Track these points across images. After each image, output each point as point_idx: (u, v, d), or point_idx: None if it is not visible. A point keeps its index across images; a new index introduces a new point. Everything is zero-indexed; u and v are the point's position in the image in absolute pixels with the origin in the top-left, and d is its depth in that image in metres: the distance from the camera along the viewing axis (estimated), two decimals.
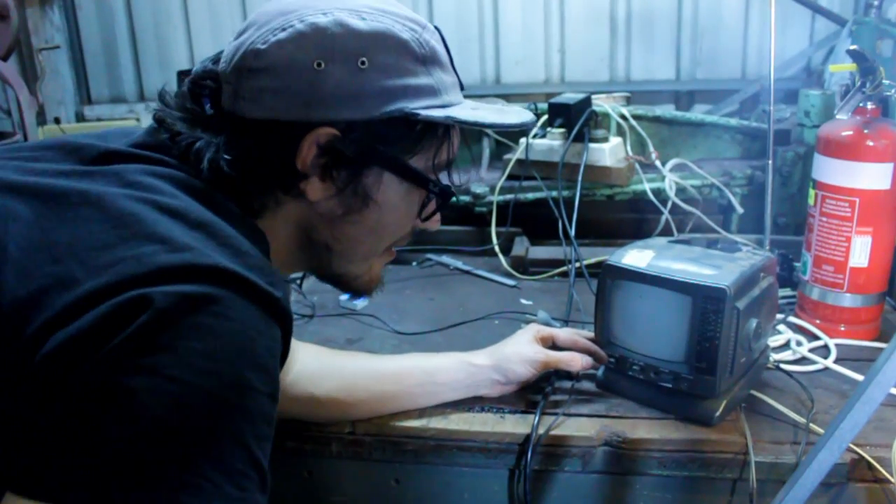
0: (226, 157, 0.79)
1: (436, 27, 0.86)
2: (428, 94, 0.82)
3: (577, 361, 1.16)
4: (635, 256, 1.14)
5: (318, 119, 0.79)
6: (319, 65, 0.78)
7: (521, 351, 1.17)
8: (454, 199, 0.90)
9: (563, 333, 1.21)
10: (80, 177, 0.75)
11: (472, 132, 2.03)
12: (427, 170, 0.87)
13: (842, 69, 1.46)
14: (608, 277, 1.15)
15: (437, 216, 0.93)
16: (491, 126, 0.87)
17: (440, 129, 0.86)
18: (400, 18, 0.82)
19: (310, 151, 0.80)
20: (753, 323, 1.07)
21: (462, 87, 0.90)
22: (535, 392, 1.19)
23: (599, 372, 1.21)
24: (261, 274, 0.71)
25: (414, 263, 1.81)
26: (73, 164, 0.78)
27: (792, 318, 1.41)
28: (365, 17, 0.80)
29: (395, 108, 0.80)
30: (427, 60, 0.83)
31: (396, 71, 0.80)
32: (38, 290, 0.65)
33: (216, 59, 0.85)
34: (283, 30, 0.78)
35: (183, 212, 0.72)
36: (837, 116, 1.31)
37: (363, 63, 0.78)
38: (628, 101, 2.05)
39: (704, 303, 1.05)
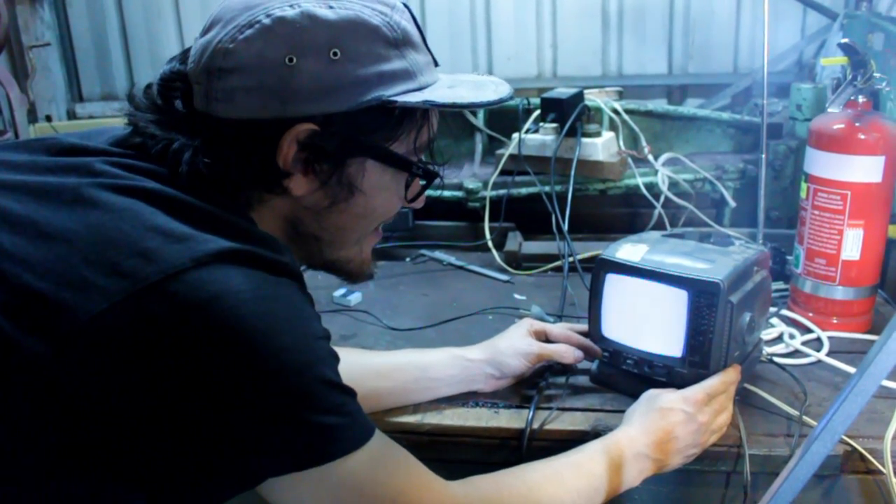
0: (205, 160, 0.78)
1: (405, 5, 0.85)
2: (403, 79, 0.82)
3: (569, 353, 1.17)
4: (629, 250, 1.14)
5: (295, 115, 0.78)
6: (291, 60, 0.76)
7: (515, 345, 1.17)
8: (439, 180, 0.91)
9: (557, 328, 1.22)
10: (66, 173, 0.76)
11: (464, 128, 2.03)
12: (409, 153, 0.87)
13: (833, 63, 1.47)
14: (602, 271, 1.15)
15: (423, 195, 0.93)
16: (468, 106, 0.86)
17: (418, 113, 0.85)
18: (368, 2, 0.81)
19: (290, 149, 0.79)
20: (747, 317, 1.07)
21: (436, 64, 0.89)
22: (529, 387, 1.19)
23: (594, 366, 1.21)
24: (262, 245, 0.75)
25: (407, 259, 1.81)
26: (54, 160, 0.79)
27: (784, 312, 1.42)
28: (332, 6, 0.78)
29: (372, 96, 0.79)
30: (399, 43, 0.81)
31: (370, 58, 0.79)
32: (45, 289, 0.67)
33: (183, 59, 0.83)
34: (250, 26, 0.77)
35: (172, 197, 0.75)
36: (829, 110, 1.31)
37: (335, 54, 0.77)
38: (620, 95, 2.05)
39: (698, 297, 1.05)
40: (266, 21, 0.76)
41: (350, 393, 0.77)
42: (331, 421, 0.73)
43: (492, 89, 0.88)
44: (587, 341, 1.19)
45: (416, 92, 0.82)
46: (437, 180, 0.91)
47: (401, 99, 0.80)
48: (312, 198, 0.84)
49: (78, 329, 0.65)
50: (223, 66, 0.77)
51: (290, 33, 0.76)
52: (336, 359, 0.77)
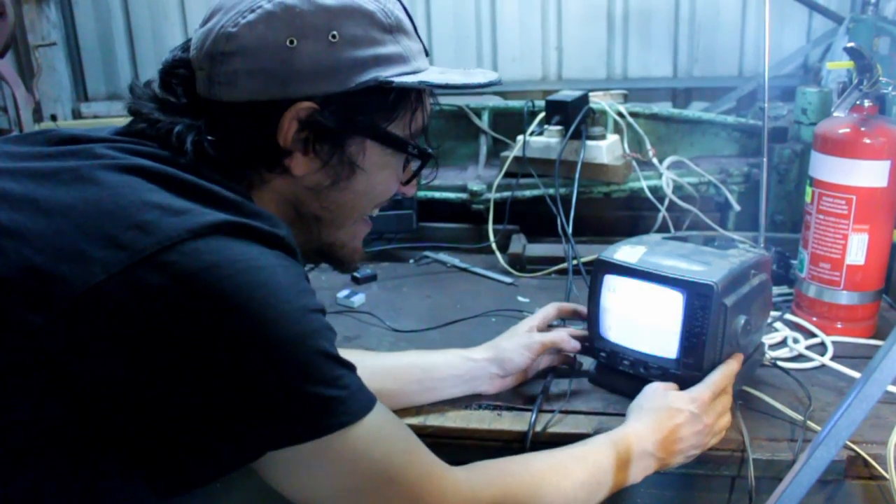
0: (209, 138, 0.80)
1: None
2: (398, 62, 0.85)
3: (569, 340, 1.18)
4: (627, 252, 1.14)
5: (296, 95, 0.81)
6: (292, 42, 0.79)
7: (517, 340, 1.18)
8: (433, 162, 0.96)
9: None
10: (67, 158, 0.77)
11: (469, 130, 2.03)
12: (406, 136, 0.90)
13: (839, 66, 1.47)
14: (600, 272, 1.15)
15: (415, 181, 0.96)
16: (461, 87, 0.89)
17: (413, 94, 0.88)
18: None
19: (291, 127, 0.82)
20: (742, 319, 1.07)
21: (427, 53, 0.92)
22: (532, 389, 1.19)
23: (592, 367, 1.21)
24: (259, 219, 0.76)
25: (411, 261, 1.81)
26: (56, 148, 0.80)
27: (789, 316, 1.41)
28: None
29: (370, 77, 0.83)
30: (393, 29, 0.85)
31: (366, 42, 0.83)
32: (43, 262, 0.67)
33: (185, 48, 0.86)
34: (252, 11, 0.80)
35: (172, 175, 0.75)
36: (834, 114, 1.31)
37: (334, 37, 0.80)
38: (625, 98, 2.05)
39: (692, 298, 1.05)
40: (268, 6, 0.80)
41: (348, 366, 0.76)
42: (327, 392, 0.72)
43: (481, 74, 0.92)
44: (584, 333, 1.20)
45: (411, 75, 0.86)
46: (432, 162, 0.94)
47: (397, 80, 0.84)
48: (314, 178, 0.86)
49: (75, 301, 0.66)
50: (226, 49, 0.80)
51: (291, 17, 0.80)
52: (333, 333, 0.77)
